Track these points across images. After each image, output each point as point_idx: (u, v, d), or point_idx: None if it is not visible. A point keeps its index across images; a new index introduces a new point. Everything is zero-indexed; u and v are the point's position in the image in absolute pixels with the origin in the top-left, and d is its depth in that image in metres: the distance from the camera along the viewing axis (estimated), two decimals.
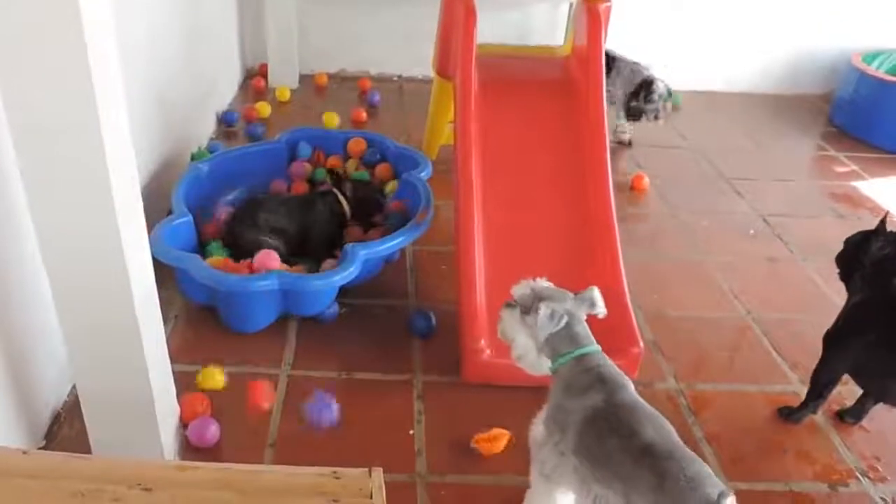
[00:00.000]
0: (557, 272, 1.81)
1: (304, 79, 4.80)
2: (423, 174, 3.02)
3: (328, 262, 2.60)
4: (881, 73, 4.72)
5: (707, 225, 3.51)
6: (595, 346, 1.69)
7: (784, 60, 5.29)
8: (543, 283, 1.74)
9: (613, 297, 2.36)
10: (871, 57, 4.93)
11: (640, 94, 3.98)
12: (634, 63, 4.08)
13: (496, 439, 2.06)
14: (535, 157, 2.65)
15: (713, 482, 1.40)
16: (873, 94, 4.56)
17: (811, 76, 5.32)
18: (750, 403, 2.38)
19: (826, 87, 5.26)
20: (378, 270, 2.70)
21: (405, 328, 2.55)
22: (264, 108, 4.24)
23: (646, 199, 3.75)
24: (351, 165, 3.37)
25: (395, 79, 5.04)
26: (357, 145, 3.43)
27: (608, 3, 2.87)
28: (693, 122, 4.80)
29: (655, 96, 3.97)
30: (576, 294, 1.71)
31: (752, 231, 3.49)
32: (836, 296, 2.59)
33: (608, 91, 3.56)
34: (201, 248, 2.64)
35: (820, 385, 2.19)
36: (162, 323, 1.90)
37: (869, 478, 2.12)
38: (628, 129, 4.28)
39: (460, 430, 2.12)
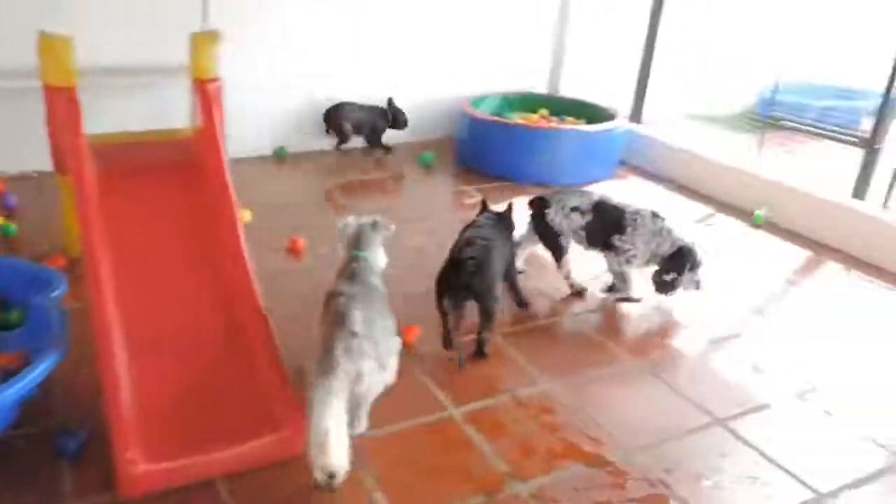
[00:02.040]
0: (212, 360, 1.81)
1: None
2: (56, 293, 2.58)
3: None
4: (484, 115, 5.48)
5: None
6: (365, 254, 2.65)
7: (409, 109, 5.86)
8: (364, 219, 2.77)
9: (266, 362, 2.42)
10: (477, 101, 5.69)
11: (682, 266, 3.33)
12: (654, 216, 3.41)
13: None
14: (167, 246, 2.62)
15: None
16: (481, 133, 5.29)
17: (434, 122, 5.99)
18: (410, 436, 2.54)
19: (448, 131, 5.95)
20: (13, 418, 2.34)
21: (52, 452, 2.32)
22: None
23: (303, 259, 3.86)
24: None
25: (35, 175, 4.56)
26: None
27: (218, 83, 2.95)
28: (332, 177, 5.13)
29: (699, 268, 3.37)
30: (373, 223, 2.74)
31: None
32: None
33: (618, 248, 3.43)
34: None
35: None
36: None
37: (519, 478, 2.38)
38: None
39: None
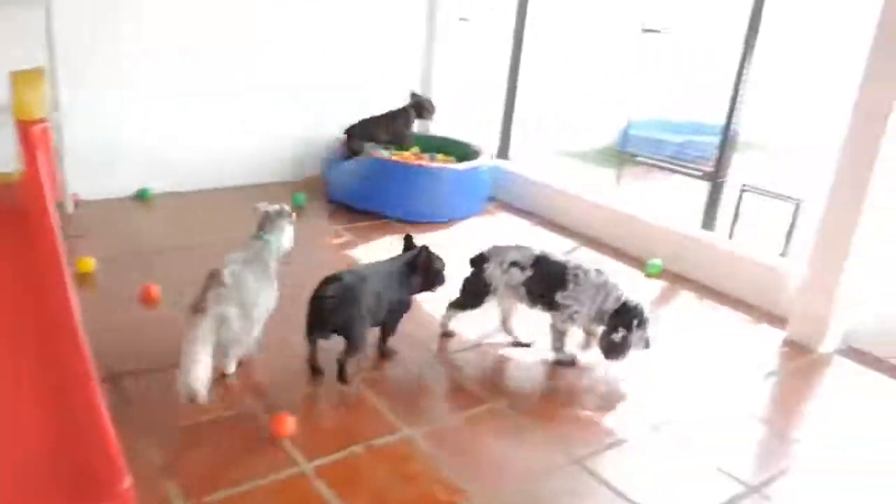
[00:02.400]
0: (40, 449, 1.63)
1: None
2: None
3: None
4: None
5: None
6: (269, 237, 3.19)
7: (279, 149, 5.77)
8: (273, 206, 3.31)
9: (93, 430, 2.23)
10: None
11: (630, 323, 3.16)
12: (598, 271, 3.28)
13: None
14: None
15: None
16: (353, 170, 5.26)
17: (306, 161, 5.90)
18: (255, 497, 2.42)
19: (320, 169, 5.88)
20: None
21: None
22: None
23: (159, 309, 3.67)
24: None
25: None
26: None
27: (44, 124, 2.76)
28: (200, 219, 4.97)
29: (647, 325, 3.21)
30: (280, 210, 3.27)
31: None
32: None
33: (561, 305, 3.28)
34: None
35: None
36: None
37: None
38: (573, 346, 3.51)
39: None
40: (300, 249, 4.52)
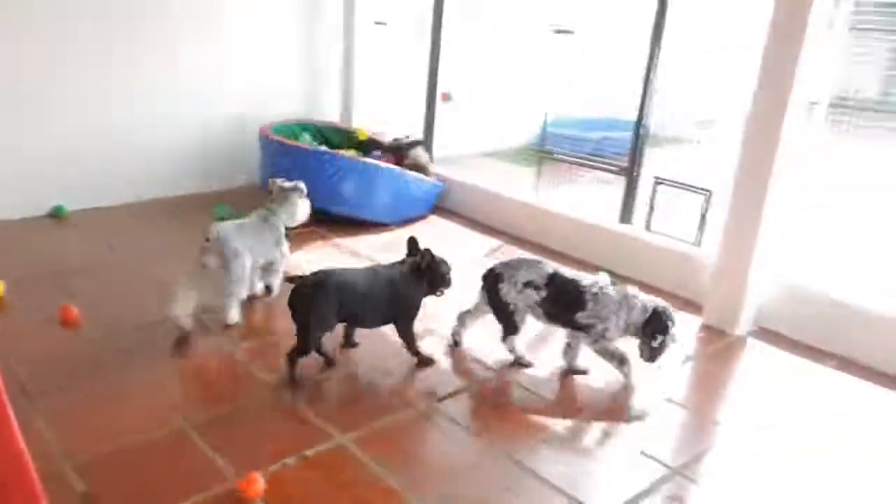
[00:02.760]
0: None
1: None
2: None
3: None
4: (295, 143, 5.37)
5: (142, 336, 3.49)
6: (277, 207, 3.85)
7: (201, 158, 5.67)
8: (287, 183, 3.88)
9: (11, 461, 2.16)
10: (277, 129, 5.56)
11: (666, 327, 3.19)
12: (613, 287, 3.30)
13: None
14: None
15: None
16: (289, 163, 5.09)
17: (232, 170, 5.81)
18: None
19: (243, 179, 5.82)
20: None
21: None
22: None
23: (82, 331, 3.56)
24: None
25: None
26: None
27: None
28: (120, 234, 4.85)
29: (675, 322, 3.25)
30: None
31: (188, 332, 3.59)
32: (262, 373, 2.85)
33: (586, 325, 3.26)
34: None
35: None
36: None
37: None
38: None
39: None
40: None
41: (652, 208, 4.57)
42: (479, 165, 5.95)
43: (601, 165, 5.01)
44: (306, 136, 5.72)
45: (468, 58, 6.10)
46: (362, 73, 6.32)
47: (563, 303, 3.27)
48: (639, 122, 4.54)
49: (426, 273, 3.31)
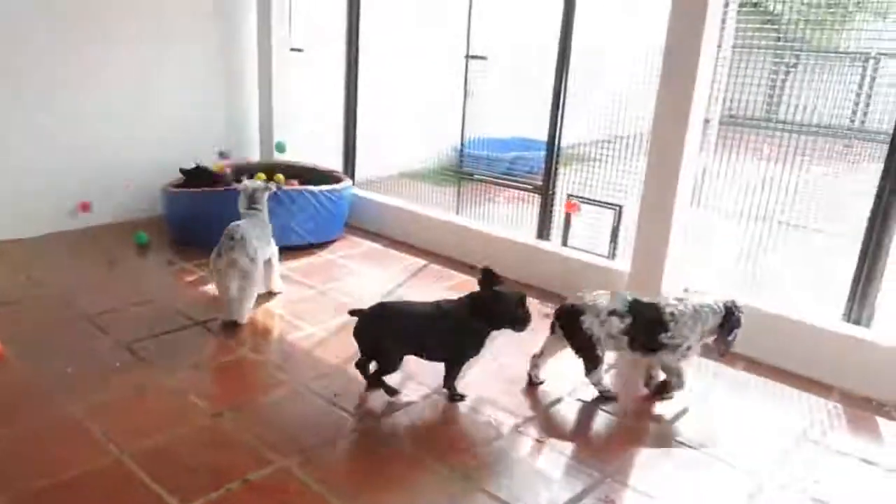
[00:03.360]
0: None
1: None
2: None
3: None
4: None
5: (72, 371, 3.44)
6: (260, 206, 4.27)
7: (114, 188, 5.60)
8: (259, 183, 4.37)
9: None
10: None
11: (739, 322, 3.31)
12: (683, 302, 3.33)
13: None
14: None
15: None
16: (184, 207, 5.19)
17: (146, 201, 5.76)
18: None
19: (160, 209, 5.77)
20: None
21: None
22: None
23: (5, 367, 3.47)
24: None
25: None
26: None
27: None
28: (47, 266, 4.74)
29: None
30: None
31: (117, 364, 3.56)
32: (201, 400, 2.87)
33: (670, 345, 3.28)
34: None
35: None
36: None
37: None
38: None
39: None
40: (149, 290, 4.46)
41: (567, 224, 4.81)
42: (398, 186, 6.08)
43: (518, 184, 5.24)
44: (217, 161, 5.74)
45: (384, 82, 6.24)
46: (281, 103, 6.37)
47: (647, 327, 3.29)
48: (550, 142, 4.79)
49: (488, 308, 3.23)
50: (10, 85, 5.00)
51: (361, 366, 3.38)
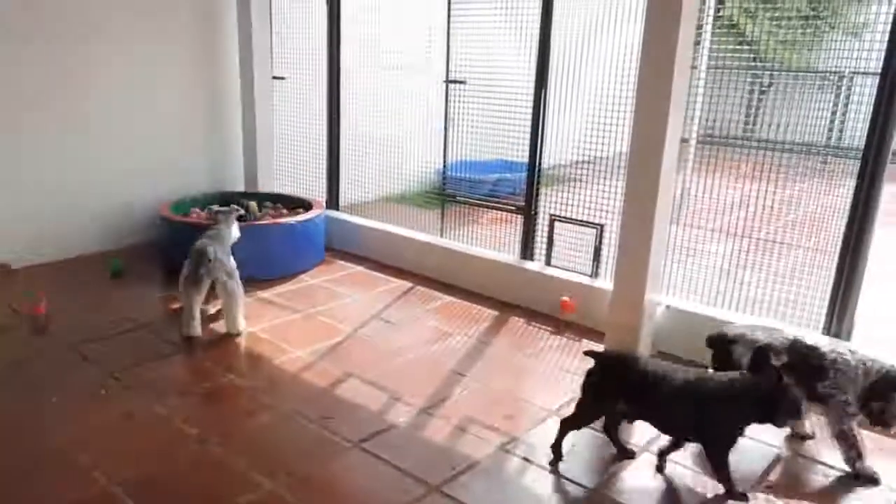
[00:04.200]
0: None
1: None
2: None
3: None
4: (179, 217, 5.45)
5: (57, 401, 3.42)
6: (224, 227, 4.45)
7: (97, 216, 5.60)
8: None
9: None
10: (177, 205, 5.67)
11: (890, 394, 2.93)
12: (851, 350, 3.05)
13: None
14: None
15: None
16: (178, 235, 5.16)
17: (127, 229, 5.80)
18: None
19: (142, 237, 5.80)
20: None
21: None
22: None
23: None
24: None
25: None
26: None
27: None
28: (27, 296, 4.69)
29: None
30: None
31: (103, 391, 3.54)
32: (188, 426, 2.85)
33: (826, 396, 2.98)
34: None
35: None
36: None
37: None
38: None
39: None
40: (141, 318, 4.44)
41: (551, 243, 4.86)
42: (382, 210, 6.11)
43: (501, 206, 5.29)
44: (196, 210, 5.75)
45: (367, 105, 6.30)
46: (264, 133, 6.42)
47: (804, 371, 2.98)
48: (531, 163, 4.85)
49: (772, 403, 2.76)
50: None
51: (611, 427, 3.09)
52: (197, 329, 4.18)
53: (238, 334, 4.25)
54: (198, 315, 4.18)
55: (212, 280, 4.17)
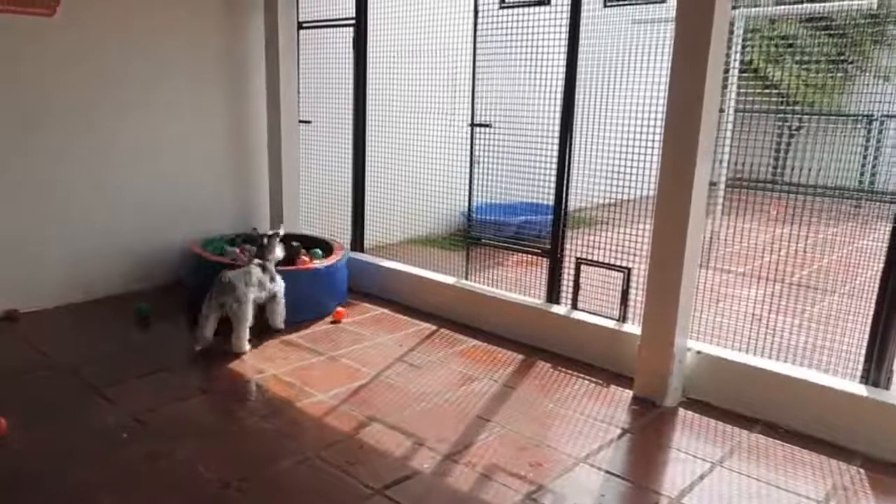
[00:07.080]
0: None
1: None
2: None
3: None
4: (208, 254, 5.45)
5: (83, 446, 3.39)
6: (261, 260, 4.90)
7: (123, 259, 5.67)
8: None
9: None
10: (205, 243, 5.71)
11: None
12: None
13: None
14: None
15: None
16: (206, 271, 5.16)
17: (152, 270, 5.86)
18: None
19: (166, 279, 5.86)
20: None
21: None
22: None
23: (7, 441, 3.42)
24: None
25: None
26: None
27: None
28: (54, 338, 4.74)
29: None
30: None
31: (124, 434, 3.51)
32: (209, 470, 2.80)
33: None
34: None
35: None
36: None
37: None
38: None
39: None
40: (170, 361, 4.43)
41: (577, 287, 4.80)
42: (407, 252, 6.11)
43: (526, 248, 5.25)
44: (229, 249, 5.78)
45: (391, 149, 6.35)
46: (290, 175, 6.48)
47: None
48: (557, 206, 4.82)
49: None
50: (21, 165, 5.10)
51: None
52: (200, 344, 4.56)
53: (242, 353, 4.58)
54: (208, 334, 4.57)
55: (221, 303, 4.53)
